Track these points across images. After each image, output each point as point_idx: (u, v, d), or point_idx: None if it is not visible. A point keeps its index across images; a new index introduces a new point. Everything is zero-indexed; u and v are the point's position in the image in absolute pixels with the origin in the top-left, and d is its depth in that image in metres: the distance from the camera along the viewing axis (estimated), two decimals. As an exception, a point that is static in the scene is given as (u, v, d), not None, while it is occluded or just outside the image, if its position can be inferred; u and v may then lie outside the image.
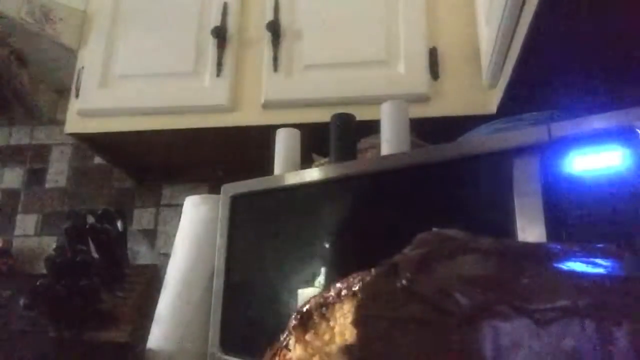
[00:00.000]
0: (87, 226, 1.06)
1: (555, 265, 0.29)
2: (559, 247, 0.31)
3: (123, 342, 0.93)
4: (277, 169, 0.77)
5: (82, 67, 1.14)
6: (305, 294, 0.62)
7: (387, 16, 1.01)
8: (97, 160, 1.41)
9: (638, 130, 0.43)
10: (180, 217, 0.93)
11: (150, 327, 0.85)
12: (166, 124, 1.07)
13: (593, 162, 0.45)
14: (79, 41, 1.18)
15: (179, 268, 0.86)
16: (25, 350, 0.87)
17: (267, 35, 1.05)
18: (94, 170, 1.43)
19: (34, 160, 1.48)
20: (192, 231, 0.88)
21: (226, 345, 0.71)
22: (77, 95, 1.12)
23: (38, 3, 1.17)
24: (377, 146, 0.71)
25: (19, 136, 1.52)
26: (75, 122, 1.12)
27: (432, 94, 0.96)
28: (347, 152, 0.71)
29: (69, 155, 1.46)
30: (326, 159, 0.84)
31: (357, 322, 0.28)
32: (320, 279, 0.62)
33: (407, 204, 0.59)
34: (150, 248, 1.31)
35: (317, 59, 1.02)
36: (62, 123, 1.18)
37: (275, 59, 1.03)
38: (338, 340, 0.29)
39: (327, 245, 0.63)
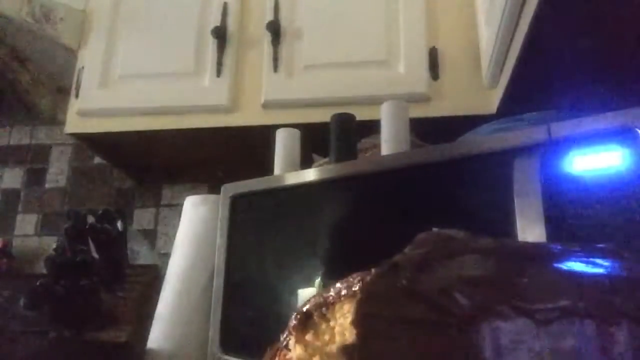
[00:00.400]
0: (87, 226, 1.06)
1: (555, 265, 0.29)
2: (559, 247, 0.31)
3: (123, 342, 0.92)
4: (277, 169, 0.77)
5: (82, 67, 1.14)
6: (305, 294, 0.62)
7: (387, 16, 1.01)
8: (97, 160, 1.41)
9: (638, 130, 0.43)
10: (180, 217, 0.93)
11: (150, 327, 0.85)
12: (166, 124, 1.07)
13: (593, 162, 0.45)
14: (79, 41, 1.18)
15: (178, 268, 0.86)
16: (25, 350, 0.87)
17: (267, 35, 1.05)
18: (94, 170, 1.43)
19: (34, 160, 1.48)
20: (192, 231, 0.88)
21: (226, 345, 0.71)
22: (77, 95, 1.12)
23: (38, 3, 1.17)
24: (377, 146, 0.71)
25: (19, 136, 1.52)
26: (75, 122, 1.12)
27: (432, 94, 0.96)
28: (347, 152, 0.71)
29: (69, 155, 1.46)
30: (326, 159, 0.84)
31: (357, 322, 0.28)
32: (320, 279, 0.62)
33: (407, 204, 0.59)
34: (150, 248, 1.31)
35: (317, 59, 1.02)
36: (62, 123, 1.18)
37: (275, 59, 1.03)
38: (338, 340, 0.29)
39: (327, 245, 0.63)
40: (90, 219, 1.09)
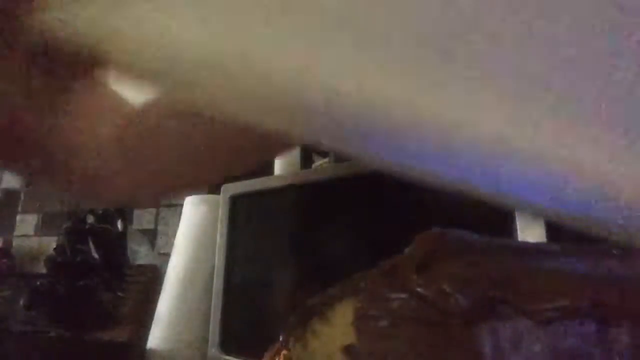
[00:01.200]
0: (87, 226, 1.06)
1: (555, 265, 0.29)
2: (558, 247, 0.31)
3: (123, 342, 0.92)
4: (277, 169, 0.77)
5: (82, 67, 1.14)
6: (306, 295, 0.62)
7: (387, 16, 1.01)
8: (97, 160, 1.40)
9: (638, 130, 0.42)
10: (180, 217, 0.93)
11: (150, 327, 0.85)
12: (166, 124, 1.07)
13: (593, 162, 0.45)
14: (79, 41, 1.18)
15: (179, 268, 0.86)
16: (25, 350, 0.87)
17: (267, 35, 1.04)
18: (94, 170, 1.42)
19: (34, 160, 1.48)
20: (192, 231, 0.88)
21: (226, 345, 0.71)
22: (77, 95, 1.12)
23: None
24: (377, 146, 0.71)
25: (19, 136, 1.52)
26: (75, 122, 1.12)
27: (432, 94, 0.95)
28: (347, 152, 0.71)
29: (69, 155, 1.46)
30: (326, 159, 0.84)
31: (357, 322, 0.28)
32: (320, 280, 0.62)
33: (407, 204, 0.59)
34: (150, 248, 1.31)
35: (317, 59, 1.02)
36: (62, 123, 1.18)
37: (275, 59, 1.03)
38: (338, 340, 0.29)
39: (327, 246, 0.63)
40: (90, 219, 1.09)
